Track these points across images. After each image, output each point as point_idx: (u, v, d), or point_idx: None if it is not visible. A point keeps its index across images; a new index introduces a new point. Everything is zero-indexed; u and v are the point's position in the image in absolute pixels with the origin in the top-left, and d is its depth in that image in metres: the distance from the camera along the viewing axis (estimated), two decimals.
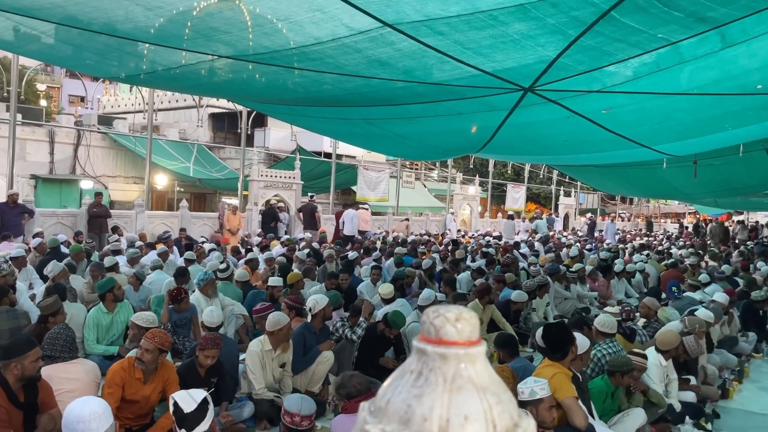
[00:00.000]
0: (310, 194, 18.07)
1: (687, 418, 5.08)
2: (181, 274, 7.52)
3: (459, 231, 23.35)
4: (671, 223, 34.94)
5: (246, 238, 15.40)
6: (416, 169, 34.30)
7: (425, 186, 32.95)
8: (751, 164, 11.77)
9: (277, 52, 5.65)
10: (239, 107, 19.30)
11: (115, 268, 7.96)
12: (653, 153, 10.21)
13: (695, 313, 6.10)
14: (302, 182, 19.61)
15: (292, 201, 19.08)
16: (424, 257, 11.41)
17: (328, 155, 24.26)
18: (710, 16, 4.85)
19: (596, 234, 24.22)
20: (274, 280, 7.18)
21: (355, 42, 5.31)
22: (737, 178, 13.28)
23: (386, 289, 7.06)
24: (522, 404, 3.47)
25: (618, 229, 23.92)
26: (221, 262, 8.39)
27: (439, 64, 5.98)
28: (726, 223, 31.13)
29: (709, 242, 22.56)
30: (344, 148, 24.21)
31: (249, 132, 20.70)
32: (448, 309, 0.62)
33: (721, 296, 7.43)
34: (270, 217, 16.92)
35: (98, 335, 5.89)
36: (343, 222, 16.83)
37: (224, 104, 25.62)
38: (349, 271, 8.82)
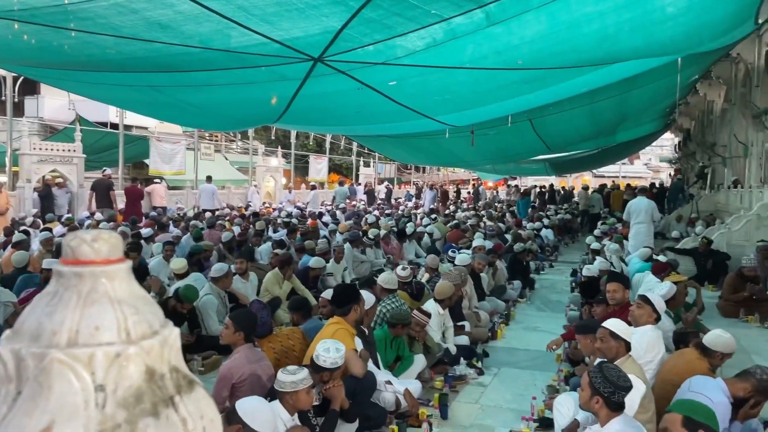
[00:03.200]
0: (104, 169, 16.53)
1: (461, 359, 5.70)
2: None
3: (264, 203, 23.13)
4: (462, 187, 38.19)
5: (19, 220, 13.69)
6: (216, 140, 33.07)
7: (226, 158, 31.94)
8: (518, 134, 13.27)
9: (39, 9, 5.07)
10: (3, 72, 16.88)
11: None
12: (436, 124, 11.02)
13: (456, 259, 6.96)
14: (85, 155, 17.87)
15: (74, 176, 17.31)
16: (224, 230, 11.17)
17: (115, 126, 22.34)
18: None
19: (392, 201, 25.70)
20: (49, 262, 6.52)
21: (130, 2, 4.96)
22: (508, 146, 14.88)
23: (179, 264, 6.80)
24: (321, 369, 3.60)
25: (436, 195, 26.01)
26: None
27: (225, 30, 5.82)
28: (500, 188, 34.94)
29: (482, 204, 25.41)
30: (134, 118, 22.41)
31: (17, 100, 18.24)
32: (87, 232, 0.64)
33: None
34: (46, 194, 15.25)
35: None
36: (200, 196, 17.92)
37: None
38: (137, 249, 8.33)
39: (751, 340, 6.93)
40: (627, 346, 3.75)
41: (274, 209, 19.84)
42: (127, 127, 21.63)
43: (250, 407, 2.78)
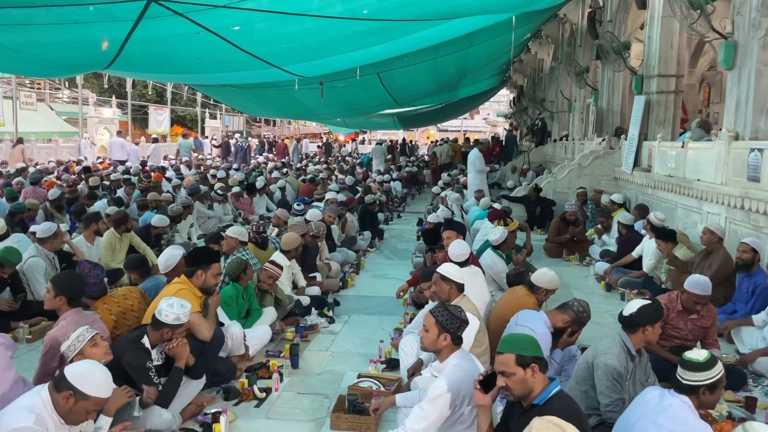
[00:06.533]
0: None
1: (313, 309, 5.77)
2: None
3: (98, 158, 21.34)
4: (310, 142, 37.85)
5: None
6: (39, 88, 29.64)
7: (51, 108, 28.83)
8: (367, 87, 13.35)
9: None
10: None
11: None
12: (285, 74, 10.74)
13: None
14: None
15: None
16: (50, 187, 10.15)
17: None
18: None
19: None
20: None
21: None
22: (357, 99, 14.95)
23: None
24: (162, 325, 3.42)
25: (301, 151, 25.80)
26: None
27: None
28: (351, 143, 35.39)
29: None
30: None
31: None
32: None
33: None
34: None
35: None
36: (111, 149, 20.04)
37: None
38: None
39: (572, 277, 7.75)
40: (459, 287, 4.00)
41: (110, 164, 18.38)
42: None
43: (80, 371, 2.58)
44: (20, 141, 18.31)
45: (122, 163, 17.78)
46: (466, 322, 3.15)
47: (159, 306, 3.46)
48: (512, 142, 22.86)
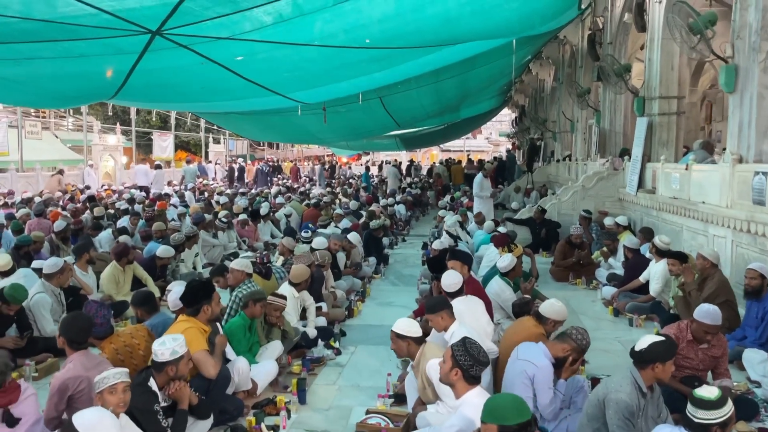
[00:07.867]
0: None
1: (319, 340, 5.72)
2: None
3: (103, 185, 21.43)
4: (314, 165, 38.05)
5: None
6: (43, 116, 29.89)
7: (56, 136, 29.06)
8: (369, 111, 13.46)
9: None
10: None
11: None
12: (288, 101, 10.84)
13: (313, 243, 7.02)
14: None
15: None
16: (55, 218, 10.18)
17: None
18: None
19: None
20: None
21: None
22: (360, 123, 15.05)
23: (2, 260, 6.09)
24: (164, 365, 3.41)
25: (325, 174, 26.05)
26: None
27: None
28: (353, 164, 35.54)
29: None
30: None
31: None
32: None
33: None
34: None
35: None
36: (136, 174, 20.84)
37: None
38: None
39: (579, 302, 7.69)
40: (416, 340, 3.92)
41: (114, 192, 18.45)
42: None
43: (88, 420, 2.55)
44: (60, 172, 18.68)
45: (144, 189, 18.59)
46: (481, 363, 3.16)
47: (153, 350, 3.45)
48: (514, 162, 22.92)
